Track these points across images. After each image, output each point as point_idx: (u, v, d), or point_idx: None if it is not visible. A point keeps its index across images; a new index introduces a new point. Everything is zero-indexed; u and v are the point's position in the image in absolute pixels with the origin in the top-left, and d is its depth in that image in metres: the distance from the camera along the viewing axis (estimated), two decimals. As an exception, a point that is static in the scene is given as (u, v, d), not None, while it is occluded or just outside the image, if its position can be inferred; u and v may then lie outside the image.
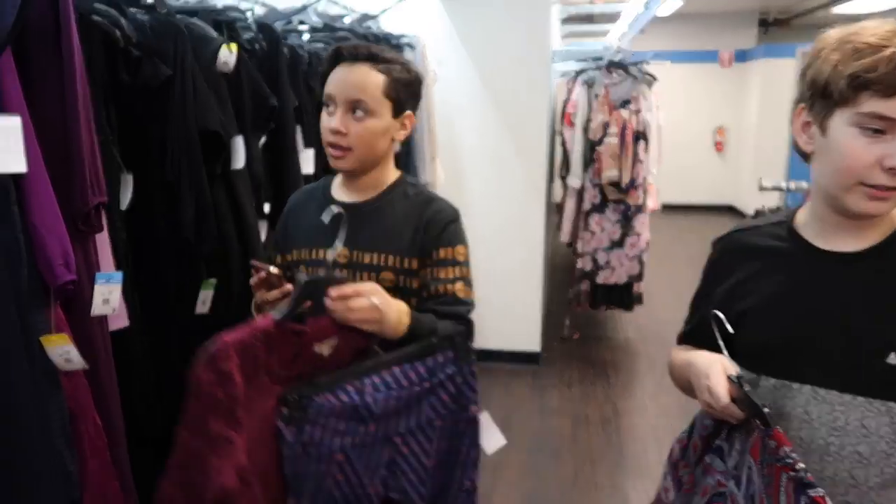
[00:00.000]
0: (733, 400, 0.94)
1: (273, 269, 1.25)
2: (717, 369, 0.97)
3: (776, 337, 1.01)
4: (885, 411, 0.91)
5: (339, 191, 1.36)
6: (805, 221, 1.04)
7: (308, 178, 2.04)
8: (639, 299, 4.30)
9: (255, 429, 1.07)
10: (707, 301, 1.10)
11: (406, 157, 3.09)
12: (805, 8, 8.18)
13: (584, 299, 4.30)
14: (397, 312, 1.18)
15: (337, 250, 1.17)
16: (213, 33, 1.55)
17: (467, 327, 1.27)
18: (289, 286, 1.23)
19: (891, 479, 0.92)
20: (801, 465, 0.86)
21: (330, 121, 1.27)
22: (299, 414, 1.09)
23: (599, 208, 4.07)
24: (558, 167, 5.04)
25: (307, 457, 1.11)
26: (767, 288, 1.03)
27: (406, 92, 1.31)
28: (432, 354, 1.16)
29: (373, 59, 1.27)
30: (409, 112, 1.33)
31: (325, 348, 1.14)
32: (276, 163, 1.95)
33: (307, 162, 2.10)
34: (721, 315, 1.02)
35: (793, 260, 1.02)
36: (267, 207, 1.86)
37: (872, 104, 0.88)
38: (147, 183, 1.43)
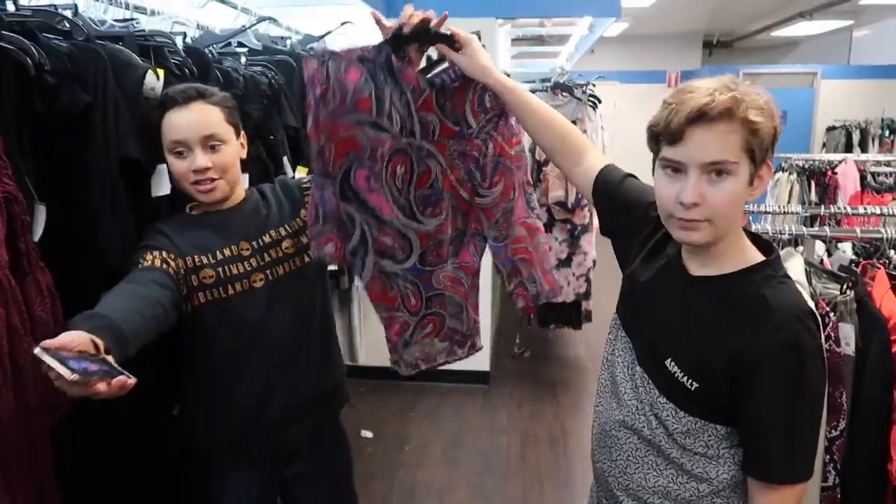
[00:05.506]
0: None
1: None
2: None
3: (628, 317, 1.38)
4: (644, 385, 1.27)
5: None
6: None
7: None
8: (588, 317, 4.36)
9: None
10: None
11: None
12: (747, 31, 8.48)
13: (532, 318, 4.35)
14: None
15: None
16: (138, 60, 1.52)
17: None
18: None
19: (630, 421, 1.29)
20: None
21: (193, 162, 1.43)
22: None
23: (547, 228, 4.12)
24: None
25: None
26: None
27: (237, 115, 1.54)
28: None
29: (202, 96, 1.45)
30: (242, 132, 1.57)
31: None
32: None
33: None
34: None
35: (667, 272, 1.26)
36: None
37: (665, 150, 1.10)
38: (68, 212, 1.39)
